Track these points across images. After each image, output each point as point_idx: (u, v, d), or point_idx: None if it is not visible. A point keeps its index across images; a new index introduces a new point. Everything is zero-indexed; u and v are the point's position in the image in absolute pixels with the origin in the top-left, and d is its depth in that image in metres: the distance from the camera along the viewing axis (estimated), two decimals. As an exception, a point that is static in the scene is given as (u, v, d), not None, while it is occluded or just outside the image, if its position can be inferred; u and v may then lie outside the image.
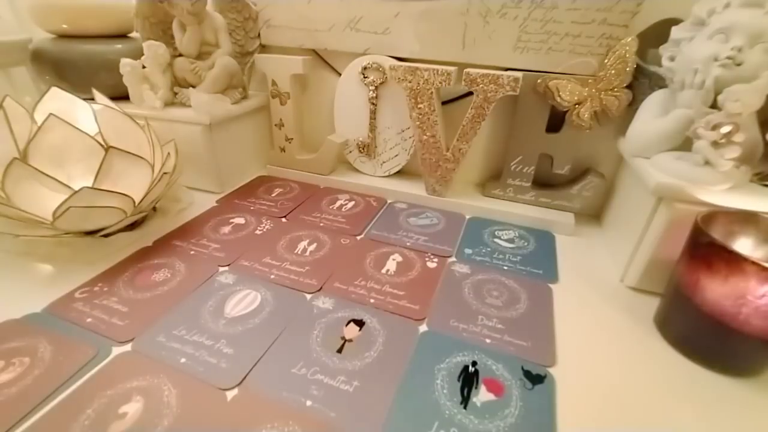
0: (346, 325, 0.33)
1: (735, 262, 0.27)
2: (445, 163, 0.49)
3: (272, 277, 0.38)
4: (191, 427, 0.25)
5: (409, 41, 0.49)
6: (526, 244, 0.45)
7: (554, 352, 0.31)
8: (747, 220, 0.32)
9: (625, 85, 0.42)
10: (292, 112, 0.55)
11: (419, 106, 0.47)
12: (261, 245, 0.43)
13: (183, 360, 0.29)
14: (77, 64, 0.52)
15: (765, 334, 0.27)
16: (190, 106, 0.50)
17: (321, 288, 0.37)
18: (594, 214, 0.51)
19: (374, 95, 0.51)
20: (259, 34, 0.55)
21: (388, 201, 0.54)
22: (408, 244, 0.44)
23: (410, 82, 0.46)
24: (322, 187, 0.57)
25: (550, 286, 0.38)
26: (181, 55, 0.51)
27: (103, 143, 0.40)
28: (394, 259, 0.41)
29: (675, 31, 0.37)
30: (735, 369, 0.30)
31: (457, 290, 0.37)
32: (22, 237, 0.37)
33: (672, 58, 0.37)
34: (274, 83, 0.54)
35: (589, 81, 0.43)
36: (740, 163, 0.33)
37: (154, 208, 0.47)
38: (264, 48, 0.56)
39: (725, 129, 0.32)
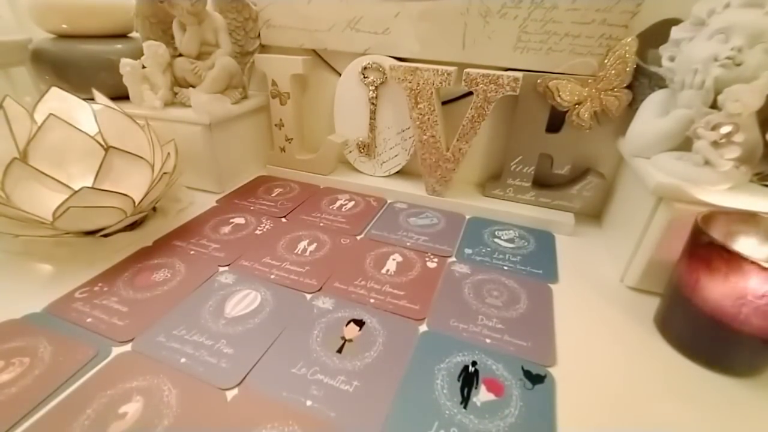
0: (346, 325, 0.33)
1: (735, 262, 0.27)
2: (445, 163, 0.49)
3: (272, 277, 0.38)
4: (191, 427, 0.25)
5: (409, 41, 0.49)
6: (526, 244, 0.45)
7: (554, 352, 0.31)
8: (747, 220, 0.32)
9: (625, 85, 0.42)
10: (292, 112, 0.55)
11: (419, 106, 0.47)
12: (261, 245, 0.43)
13: (183, 360, 0.29)
14: (77, 64, 0.52)
15: (765, 334, 0.27)
16: (190, 106, 0.50)
17: (321, 288, 0.37)
18: (594, 214, 0.51)
19: (374, 95, 0.51)
20: (259, 34, 0.55)
21: (388, 201, 0.54)
22: (408, 244, 0.44)
23: (410, 82, 0.46)
24: (322, 187, 0.57)
25: (550, 286, 0.38)
26: (181, 55, 0.51)
27: (103, 143, 0.40)
28: (394, 259, 0.41)
29: (675, 31, 0.37)
30: (735, 369, 0.30)
31: (457, 290, 0.37)
32: (21, 237, 0.37)
33: (672, 59, 0.37)
34: (274, 83, 0.54)
35: (589, 81, 0.43)
36: (740, 163, 0.33)
37: (154, 208, 0.47)
38: (264, 48, 0.56)
39: (725, 129, 0.32)
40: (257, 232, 0.45)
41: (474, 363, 0.29)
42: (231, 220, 0.47)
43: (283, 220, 0.49)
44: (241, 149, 0.57)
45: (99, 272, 0.38)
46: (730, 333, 0.28)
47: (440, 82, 0.45)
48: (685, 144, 0.36)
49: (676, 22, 0.38)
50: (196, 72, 0.51)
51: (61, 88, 0.44)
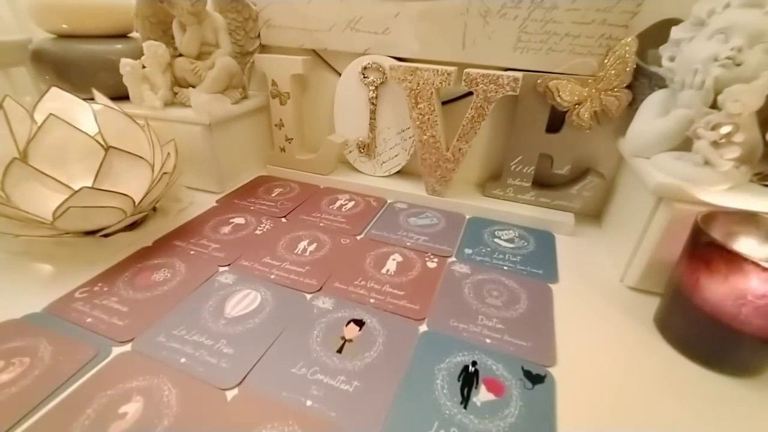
0: (346, 325, 0.33)
1: (735, 262, 0.27)
2: (445, 163, 0.49)
3: (272, 277, 0.38)
4: (191, 427, 0.25)
5: (409, 41, 0.49)
6: (526, 244, 0.45)
7: (554, 352, 0.31)
8: (747, 220, 0.32)
9: (625, 85, 0.42)
10: (292, 112, 0.55)
11: (419, 106, 0.47)
12: (261, 245, 0.43)
13: (183, 360, 0.29)
14: (77, 64, 0.52)
15: (765, 334, 0.27)
16: (190, 106, 0.50)
17: (321, 288, 0.37)
18: (594, 214, 0.51)
19: (374, 95, 0.51)
20: (259, 34, 0.55)
21: (388, 201, 0.54)
22: (408, 244, 0.44)
23: (410, 82, 0.46)
24: (322, 187, 0.57)
25: (550, 286, 0.38)
26: (181, 55, 0.51)
27: (103, 143, 0.40)
28: (394, 259, 0.41)
29: (675, 31, 0.37)
30: (735, 369, 0.30)
31: (457, 290, 0.37)
32: (22, 237, 0.37)
33: (672, 59, 0.37)
34: (274, 83, 0.54)
35: (589, 81, 0.43)
36: (740, 163, 0.33)
37: (154, 208, 0.47)
38: (264, 48, 0.56)
39: (725, 129, 0.32)
40: (257, 232, 0.45)
41: (474, 363, 0.29)
42: (231, 220, 0.47)
43: (283, 220, 0.49)
44: (241, 149, 0.57)
45: (99, 272, 0.38)
46: (730, 333, 0.28)
47: (440, 82, 0.45)
48: (685, 144, 0.36)
49: (676, 22, 0.38)
50: (196, 72, 0.51)
51: (61, 88, 0.44)
